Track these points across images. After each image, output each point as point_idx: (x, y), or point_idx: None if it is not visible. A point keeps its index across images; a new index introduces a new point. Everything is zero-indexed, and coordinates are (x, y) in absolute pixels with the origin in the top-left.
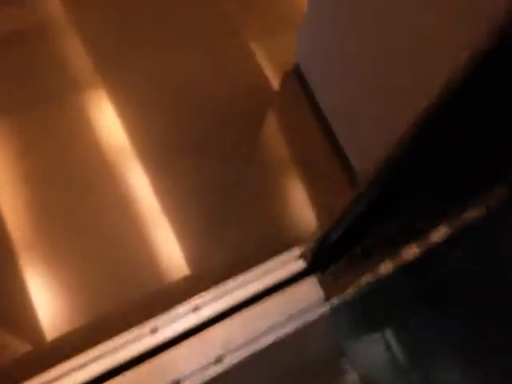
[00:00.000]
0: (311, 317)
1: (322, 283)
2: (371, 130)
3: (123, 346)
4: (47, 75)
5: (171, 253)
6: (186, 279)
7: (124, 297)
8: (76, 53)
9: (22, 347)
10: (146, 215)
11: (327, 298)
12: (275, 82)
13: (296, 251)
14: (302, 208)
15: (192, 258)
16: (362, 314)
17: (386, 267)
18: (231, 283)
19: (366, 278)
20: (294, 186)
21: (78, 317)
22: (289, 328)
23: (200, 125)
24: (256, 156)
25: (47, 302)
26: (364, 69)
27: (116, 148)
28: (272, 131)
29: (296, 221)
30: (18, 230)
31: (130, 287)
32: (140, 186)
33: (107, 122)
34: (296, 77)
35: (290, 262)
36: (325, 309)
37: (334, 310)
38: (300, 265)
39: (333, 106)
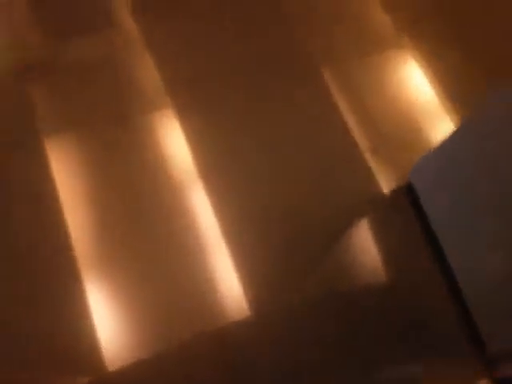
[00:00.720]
0: None
1: None
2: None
3: None
4: (120, 97)
5: (232, 291)
6: (245, 322)
7: (183, 331)
8: (150, 77)
9: (80, 378)
10: (211, 247)
11: None
12: (383, 196)
13: None
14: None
15: (253, 300)
16: None
17: None
18: None
19: None
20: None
21: (138, 348)
22: None
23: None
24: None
25: (108, 330)
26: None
27: (183, 173)
28: (372, 244)
29: None
30: (83, 248)
31: (190, 321)
32: (205, 214)
33: (176, 145)
34: (408, 196)
35: None
36: None
37: None
38: None
39: (453, 243)
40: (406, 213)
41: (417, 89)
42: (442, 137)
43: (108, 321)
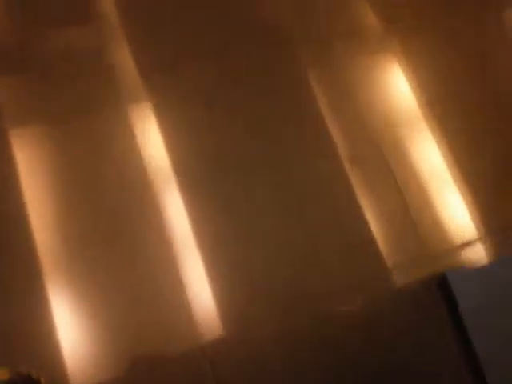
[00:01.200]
0: None
1: None
2: None
3: None
4: (98, 87)
5: (203, 307)
6: (220, 340)
7: (153, 347)
8: (130, 70)
9: None
10: (181, 254)
11: None
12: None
13: None
14: None
15: (226, 318)
16: None
17: None
18: None
19: None
20: None
21: (106, 366)
22: None
23: None
24: None
25: (72, 345)
26: None
27: (156, 171)
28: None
29: None
30: (46, 253)
31: (162, 337)
32: (179, 222)
33: (152, 142)
34: (438, 288)
35: None
36: None
37: None
38: None
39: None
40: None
41: (400, 95)
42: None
43: (72, 335)
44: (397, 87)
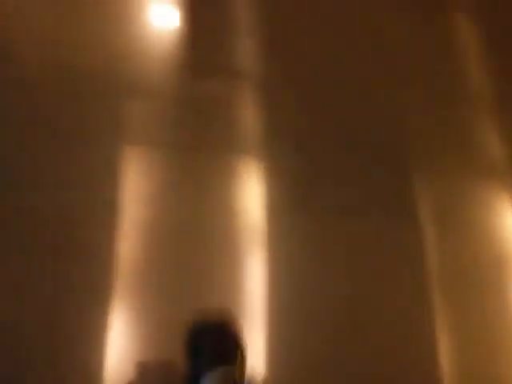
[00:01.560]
0: None
1: None
2: None
3: None
4: (218, 131)
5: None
6: None
7: None
8: (254, 126)
9: None
10: (248, 312)
11: None
12: None
13: None
14: None
15: None
16: None
17: None
18: None
19: None
20: None
21: None
22: None
23: None
24: None
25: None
26: None
27: (247, 224)
28: None
29: None
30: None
31: None
32: (254, 276)
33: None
34: None
35: None
36: None
37: None
38: None
39: None
40: None
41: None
42: None
43: (120, 359)
44: (504, 229)
